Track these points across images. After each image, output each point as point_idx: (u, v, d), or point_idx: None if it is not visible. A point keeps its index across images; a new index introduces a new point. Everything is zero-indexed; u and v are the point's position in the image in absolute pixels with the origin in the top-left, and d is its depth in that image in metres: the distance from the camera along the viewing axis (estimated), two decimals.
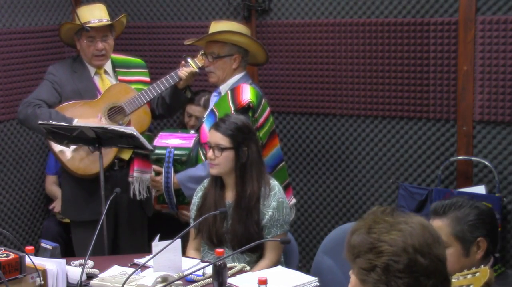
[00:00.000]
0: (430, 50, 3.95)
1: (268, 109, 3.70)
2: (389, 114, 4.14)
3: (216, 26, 3.70)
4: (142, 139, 3.44)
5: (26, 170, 4.66)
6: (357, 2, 4.14)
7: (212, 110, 3.66)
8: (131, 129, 3.38)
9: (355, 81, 4.20)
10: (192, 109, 4.23)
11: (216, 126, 3.18)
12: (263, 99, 3.67)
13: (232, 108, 3.51)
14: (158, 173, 3.70)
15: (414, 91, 4.04)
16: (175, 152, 3.63)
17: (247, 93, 3.55)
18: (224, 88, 3.67)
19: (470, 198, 2.51)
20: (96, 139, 3.44)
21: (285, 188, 3.71)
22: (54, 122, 3.49)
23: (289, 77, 4.39)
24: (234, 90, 3.60)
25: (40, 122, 3.48)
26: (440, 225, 2.41)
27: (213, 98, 3.75)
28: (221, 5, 4.56)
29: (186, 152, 3.63)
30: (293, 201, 3.83)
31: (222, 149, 3.11)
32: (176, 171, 3.62)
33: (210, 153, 3.14)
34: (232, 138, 3.12)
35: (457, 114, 3.92)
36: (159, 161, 3.67)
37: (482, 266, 1.96)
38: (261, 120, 3.61)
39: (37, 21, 4.67)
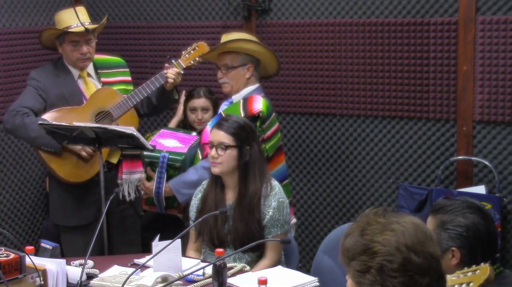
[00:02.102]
0: (430, 50, 3.95)
1: (276, 124, 3.69)
2: (389, 114, 4.14)
3: (228, 37, 3.70)
4: (142, 139, 3.44)
5: (26, 170, 4.66)
6: (357, 2, 4.14)
7: (220, 114, 3.65)
8: (131, 130, 3.37)
9: (355, 81, 4.20)
10: (195, 102, 4.18)
11: (218, 125, 3.16)
12: (273, 113, 3.67)
13: (243, 115, 3.49)
14: (149, 177, 3.70)
15: (414, 91, 4.04)
16: (169, 156, 3.63)
17: (259, 104, 3.54)
18: (236, 98, 3.67)
19: (470, 205, 2.45)
20: (96, 139, 3.43)
21: None
22: (54, 122, 3.48)
23: (289, 77, 4.39)
24: (247, 100, 3.60)
25: (40, 122, 3.48)
26: (429, 221, 2.44)
27: (223, 106, 3.75)
28: (221, 5, 4.56)
29: (180, 158, 3.63)
30: (294, 220, 3.78)
31: (226, 147, 3.10)
32: (169, 176, 3.62)
33: (213, 152, 3.12)
34: (235, 137, 3.11)
35: (457, 114, 3.93)
36: (152, 164, 3.67)
37: (482, 264, 1.96)
38: (269, 133, 3.60)
39: (37, 21, 4.67)
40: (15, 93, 4.45)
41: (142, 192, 3.78)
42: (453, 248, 2.36)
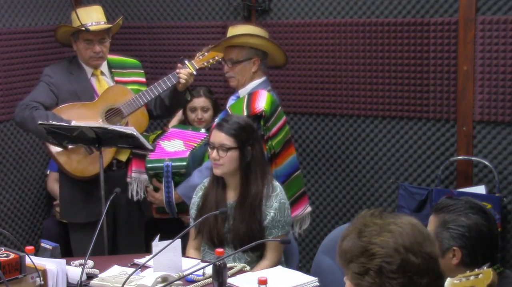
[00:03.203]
0: (430, 50, 3.95)
1: (283, 118, 3.66)
2: (389, 114, 4.14)
3: (233, 30, 3.69)
4: (142, 139, 3.44)
5: (26, 170, 4.66)
6: (357, 2, 4.14)
7: (226, 110, 3.66)
8: (131, 130, 3.38)
9: (355, 81, 4.20)
10: (196, 102, 4.18)
11: (219, 126, 3.15)
12: (279, 107, 3.64)
13: (245, 114, 3.49)
14: (156, 188, 3.71)
15: (414, 91, 4.04)
16: (173, 164, 3.63)
17: (262, 101, 3.53)
18: (242, 92, 3.68)
19: (473, 206, 2.44)
20: (96, 139, 3.44)
21: (301, 196, 3.69)
22: (54, 122, 3.48)
23: (289, 77, 4.39)
24: (251, 95, 3.59)
25: (40, 122, 3.48)
26: (431, 219, 2.44)
27: (230, 101, 3.75)
28: (221, 5, 4.56)
29: (183, 163, 3.62)
30: (309, 209, 3.77)
31: (227, 149, 3.09)
32: (175, 183, 3.62)
33: (214, 153, 3.11)
34: (237, 138, 3.10)
35: (457, 114, 3.93)
36: (157, 175, 3.67)
37: (485, 268, 1.95)
38: (275, 129, 3.58)
39: (37, 21, 4.67)
40: (15, 93, 4.45)
41: (148, 198, 3.79)
42: (454, 248, 2.35)
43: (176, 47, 4.71)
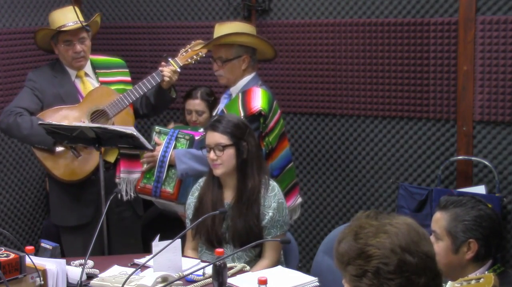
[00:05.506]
0: (430, 50, 3.95)
1: (278, 112, 3.65)
2: (389, 114, 4.14)
3: (220, 29, 3.66)
4: (142, 139, 3.44)
5: (26, 170, 4.66)
6: (357, 2, 4.14)
7: (222, 111, 3.63)
8: (131, 129, 3.37)
9: (355, 81, 4.20)
10: (191, 104, 4.21)
11: (212, 127, 3.15)
12: (274, 102, 3.63)
13: (242, 114, 3.46)
14: (155, 145, 3.67)
15: (414, 91, 4.04)
16: (179, 131, 3.63)
17: (258, 100, 3.51)
18: (234, 90, 3.65)
19: (478, 200, 2.49)
20: (96, 139, 3.43)
21: (293, 188, 3.70)
22: (54, 122, 3.48)
23: (289, 77, 4.39)
24: (245, 94, 3.56)
25: (39, 122, 3.48)
26: (438, 217, 2.45)
27: (223, 100, 3.73)
28: (221, 5, 4.56)
29: (190, 135, 3.63)
30: (299, 200, 3.79)
31: (223, 147, 3.10)
32: (175, 148, 3.60)
33: (211, 154, 3.11)
34: (231, 135, 3.11)
35: (457, 114, 3.93)
36: (161, 134, 3.66)
37: (486, 272, 1.95)
38: (271, 124, 3.57)
39: (37, 21, 4.67)
40: (15, 93, 4.43)
41: (145, 165, 3.68)
42: (471, 240, 2.38)
43: (177, 47, 4.67)
